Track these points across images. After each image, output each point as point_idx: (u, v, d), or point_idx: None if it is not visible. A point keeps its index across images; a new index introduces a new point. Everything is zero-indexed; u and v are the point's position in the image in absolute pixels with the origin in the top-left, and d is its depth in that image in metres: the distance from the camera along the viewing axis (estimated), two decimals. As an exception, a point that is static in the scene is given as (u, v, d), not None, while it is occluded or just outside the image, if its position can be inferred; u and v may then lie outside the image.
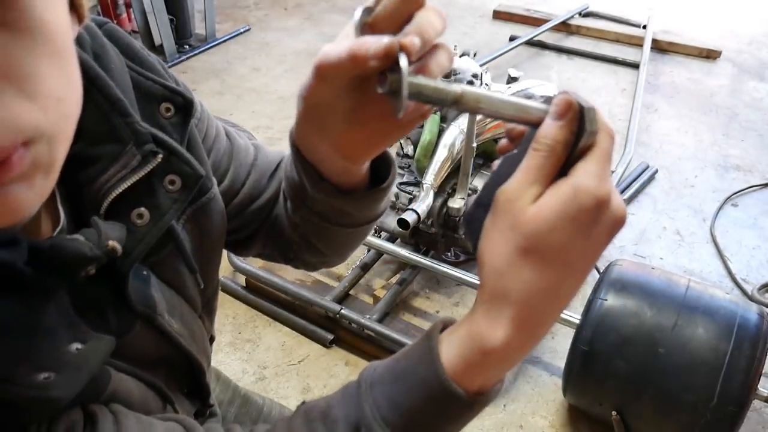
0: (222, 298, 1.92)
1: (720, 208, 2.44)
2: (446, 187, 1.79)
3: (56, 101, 0.33)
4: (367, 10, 0.41)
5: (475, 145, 1.64)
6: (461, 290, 2.00)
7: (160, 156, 0.47)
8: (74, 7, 0.38)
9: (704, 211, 2.44)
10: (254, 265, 1.94)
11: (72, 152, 0.38)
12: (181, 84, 0.55)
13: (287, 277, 1.91)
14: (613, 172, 2.26)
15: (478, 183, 1.83)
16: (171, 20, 3.34)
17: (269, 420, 0.88)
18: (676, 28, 3.94)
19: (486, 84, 1.76)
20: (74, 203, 0.46)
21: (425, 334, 0.45)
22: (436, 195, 1.73)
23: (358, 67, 0.39)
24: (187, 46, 3.55)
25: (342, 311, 1.74)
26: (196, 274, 0.55)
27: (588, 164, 0.38)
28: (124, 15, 3.55)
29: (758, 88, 3.39)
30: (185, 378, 0.60)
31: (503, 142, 0.45)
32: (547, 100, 0.40)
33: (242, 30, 3.84)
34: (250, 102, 3.14)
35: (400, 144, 1.90)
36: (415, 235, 1.90)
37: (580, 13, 3.99)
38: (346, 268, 2.03)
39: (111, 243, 0.42)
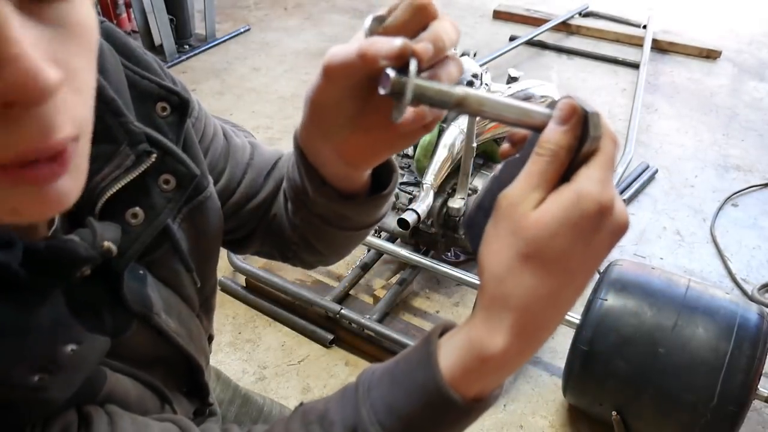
0: (222, 298, 1.94)
1: (720, 208, 2.44)
2: (446, 187, 1.79)
3: (92, 95, 0.34)
4: (378, 19, 0.41)
5: (475, 145, 1.64)
6: (461, 290, 2.00)
7: (154, 155, 0.47)
8: None
9: (704, 211, 2.44)
10: (254, 265, 1.94)
11: None
12: (179, 83, 0.55)
13: (287, 277, 1.91)
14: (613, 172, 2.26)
15: (478, 183, 1.83)
16: (171, 20, 3.34)
17: (269, 420, 0.88)
18: (676, 28, 3.94)
19: (486, 84, 1.76)
20: None
21: (424, 338, 0.44)
22: (436, 195, 1.73)
23: (367, 66, 0.38)
24: (187, 46, 3.55)
25: (342, 311, 1.74)
26: (193, 273, 0.55)
27: (591, 170, 0.37)
28: (124, 15, 3.56)
29: (758, 88, 3.39)
30: (183, 377, 0.59)
31: (505, 146, 0.45)
32: (550, 104, 0.40)
33: (242, 30, 3.84)
34: (250, 102, 3.14)
35: (400, 144, 1.89)
36: (415, 235, 1.89)
37: (580, 13, 3.99)
38: (346, 268, 2.03)
39: (106, 244, 0.42)
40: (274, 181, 0.66)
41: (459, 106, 0.38)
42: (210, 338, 0.67)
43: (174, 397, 0.56)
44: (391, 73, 0.37)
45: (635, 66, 3.37)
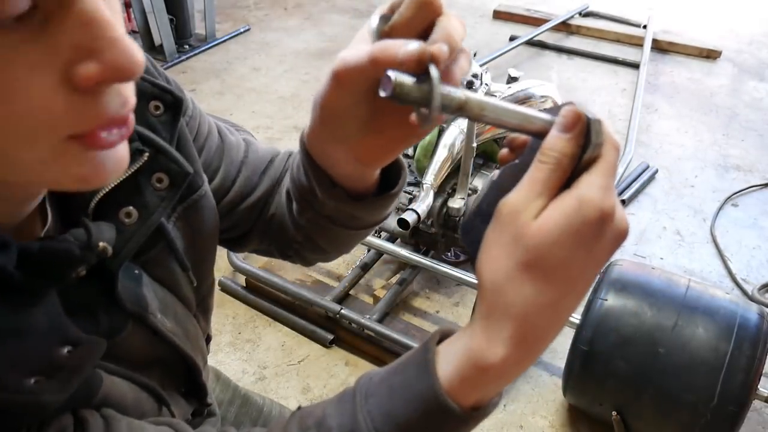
0: (222, 298, 1.94)
1: (720, 208, 2.44)
2: (446, 187, 1.79)
3: None
4: (384, 18, 0.40)
5: (475, 145, 1.64)
6: (461, 290, 2.00)
7: (147, 154, 0.47)
8: None
9: (704, 211, 2.44)
10: (254, 265, 1.94)
11: None
12: (173, 82, 0.55)
13: (287, 277, 1.91)
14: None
15: (478, 183, 1.83)
16: (171, 20, 3.34)
17: (269, 420, 0.88)
18: (676, 28, 3.94)
19: (486, 84, 1.76)
20: (61, 203, 0.46)
21: (422, 345, 0.44)
22: (436, 195, 1.73)
23: (380, 71, 0.38)
24: (187, 46, 3.56)
25: (342, 311, 1.74)
26: (189, 272, 0.55)
27: (593, 176, 0.37)
28: (124, 15, 3.55)
29: (758, 88, 3.38)
30: (181, 378, 0.59)
31: (504, 151, 0.45)
32: (550, 109, 0.39)
33: (242, 30, 3.84)
34: (250, 102, 3.14)
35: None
36: (415, 235, 1.89)
37: (580, 13, 3.99)
38: (346, 268, 2.03)
39: (102, 244, 0.42)
40: (269, 179, 0.66)
41: (460, 109, 0.38)
42: (208, 338, 0.66)
43: (172, 398, 0.56)
44: (392, 75, 0.36)
45: (635, 66, 3.37)
